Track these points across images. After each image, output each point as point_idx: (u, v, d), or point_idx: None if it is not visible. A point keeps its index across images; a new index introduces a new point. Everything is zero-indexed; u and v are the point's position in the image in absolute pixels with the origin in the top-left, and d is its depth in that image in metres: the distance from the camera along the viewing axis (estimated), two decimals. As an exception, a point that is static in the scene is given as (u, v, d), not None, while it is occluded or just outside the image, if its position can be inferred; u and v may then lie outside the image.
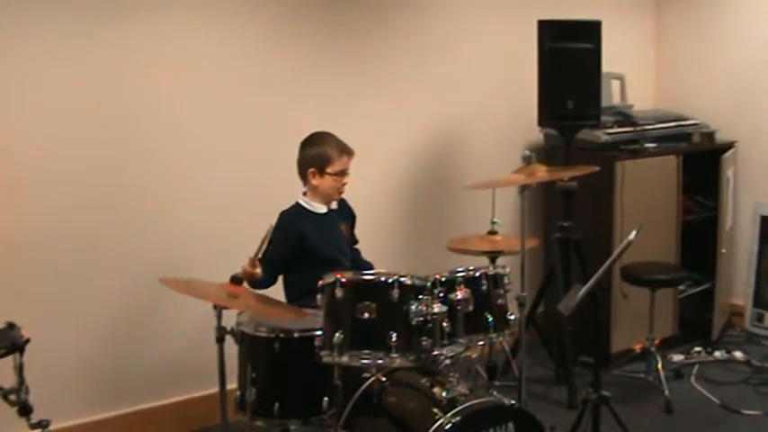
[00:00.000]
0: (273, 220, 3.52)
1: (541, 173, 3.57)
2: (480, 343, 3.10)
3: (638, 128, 4.95)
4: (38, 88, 3.63)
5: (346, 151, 3.62)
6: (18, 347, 2.68)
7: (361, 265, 3.76)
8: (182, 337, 4.03)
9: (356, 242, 3.88)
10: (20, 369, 2.69)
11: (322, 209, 3.65)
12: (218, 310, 3.00)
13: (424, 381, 3.01)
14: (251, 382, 3.04)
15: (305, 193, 3.66)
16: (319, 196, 3.64)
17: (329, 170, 3.58)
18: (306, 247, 3.56)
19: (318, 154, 3.59)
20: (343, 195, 3.73)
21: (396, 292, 2.82)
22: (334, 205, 3.72)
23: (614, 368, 4.63)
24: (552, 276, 4.60)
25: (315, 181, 3.59)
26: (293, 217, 3.60)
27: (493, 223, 4.00)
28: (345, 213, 3.79)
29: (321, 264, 3.42)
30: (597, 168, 3.81)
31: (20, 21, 3.55)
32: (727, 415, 4.16)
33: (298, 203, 3.64)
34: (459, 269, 3.01)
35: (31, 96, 3.63)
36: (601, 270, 3.23)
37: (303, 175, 3.63)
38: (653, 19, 5.81)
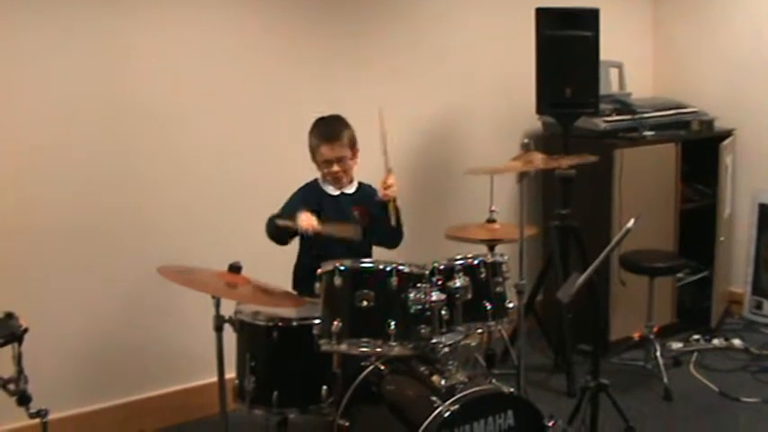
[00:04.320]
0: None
1: (538, 161, 3.55)
2: (479, 331, 3.11)
3: (637, 116, 4.95)
4: (37, 80, 3.62)
5: (326, 139, 3.56)
6: (16, 337, 2.68)
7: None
8: (180, 325, 4.02)
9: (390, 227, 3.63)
10: (18, 359, 2.68)
11: (334, 191, 3.66)
12: (217, 299, 3.00)
13: (422, 369, 3.00)
14: (249, 371, 3.04)
15: None
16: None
17: (317, 159, 3.60)
18: None
19: (309, 143, 3.63)
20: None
21: (394, 281, 2.82)
22: (350, 189, 3.69)
23: (613, 356, 4.65)
24: (551, 264, 4.60)
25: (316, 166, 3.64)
26: (312, 188, 3.65)
27: (491, 212, 4.00)
28: (364, 198, 3.69)
29: (324, 243, 3.47)
30: (594, 158, 3.79)
31: (21, 11, 3.53)
32: (726, 402, 4.17)
33: (317, 179, 3.68)
34: (458, 257, 3.01)
35: (31, 88, 3.61)
36: (599, 258, 3.23)
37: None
38: (651, 7, 5.79)
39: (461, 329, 2.95)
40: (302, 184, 3.71)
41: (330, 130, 3.59)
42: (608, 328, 4.79)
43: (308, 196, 3.61)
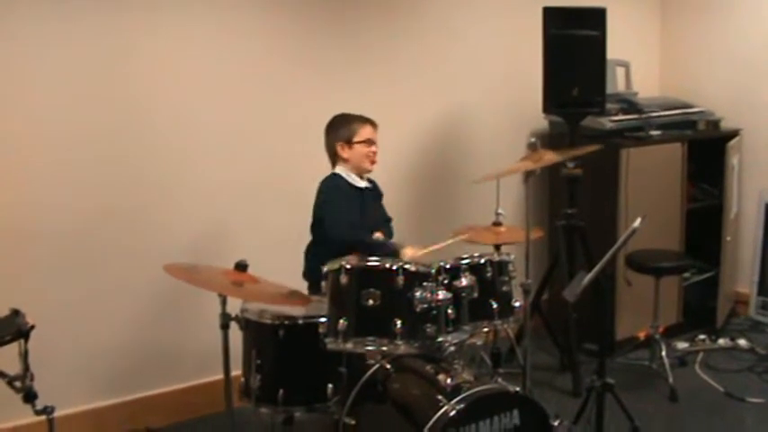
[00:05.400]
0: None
1: (548, 156, 3.55)
2: (485, 330, 3.12)
3: (643, 115, 4.94)
4: (41, 79, 3.62)
5: (368, 121, 3.71)
6: (23, 334, 2.68)
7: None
8: (186, 323, 4.03)
9: (389, 219, 3.93)
10: (24, 356, 2.69)
11: (360, 183, 3.71)
12: (223, 297, 3.00)
13: (428, 368, 3.01)
14: (255, 369, 3.04)
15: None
16: (353, 168, 3.69)
17: (356, 139, 3.66)
18: None
19: (344, 129, 3.68)
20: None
21: (400, 279, 2.82)
22: (368, 183, 3.76)
23: (619, 355, 4.64)
24: (557, 263, 4.59)
25: (345, 153, 3.67)
26: (343, 187, 3.66)
27: (497, 214, 4.00)
28: (376, 193, 3.85)
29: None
30: (600, 146, 3.78)
31: (23, 11, 3.54)
32: (732, 403, 4.16)
33: (336, 174, 3.70)
34: (464, 256, 3.01)
35: (34, 87, 3.62)
36: (605, 257, 3.22)
37: (333, 154, 3.71)
38: (658, 6, 5.78)
39: (467, 328, 2.95)
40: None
41: (366, 116, 3.72)
42: (614, 328, 4.79)
43: (350, 196, 3.66)
